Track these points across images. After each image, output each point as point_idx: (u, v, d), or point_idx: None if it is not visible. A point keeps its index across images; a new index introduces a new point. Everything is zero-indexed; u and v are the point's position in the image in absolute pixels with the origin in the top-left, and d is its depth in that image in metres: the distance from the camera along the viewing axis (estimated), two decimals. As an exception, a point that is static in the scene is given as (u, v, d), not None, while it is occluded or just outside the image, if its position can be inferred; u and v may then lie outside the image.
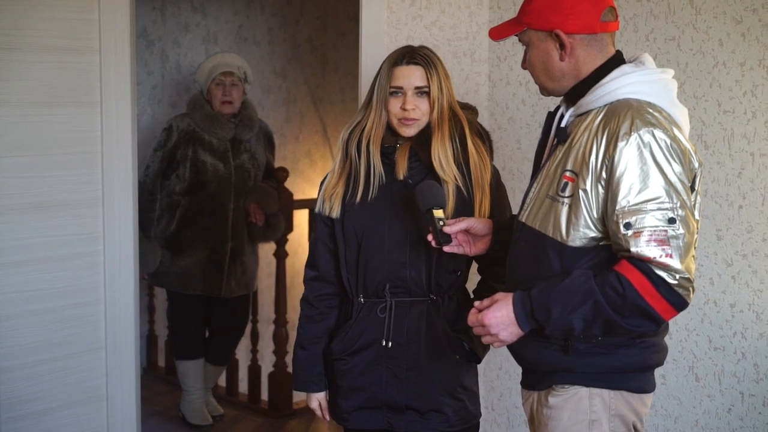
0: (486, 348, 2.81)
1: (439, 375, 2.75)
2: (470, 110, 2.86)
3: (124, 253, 3.82)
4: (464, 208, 2.70)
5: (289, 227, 5.20)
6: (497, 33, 2.40)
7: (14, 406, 3.56)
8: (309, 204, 5.61)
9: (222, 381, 5.51)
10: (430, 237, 2.54)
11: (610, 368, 2.26)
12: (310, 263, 2.91)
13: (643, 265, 2.09)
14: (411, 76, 2.69)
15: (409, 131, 2.71)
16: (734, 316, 3.08)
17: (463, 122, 2.74)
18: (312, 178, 6.77)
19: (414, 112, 2.68)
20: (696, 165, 2.20)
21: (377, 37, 3.70)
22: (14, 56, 3.46)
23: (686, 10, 3.14)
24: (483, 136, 2.81)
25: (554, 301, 2.17)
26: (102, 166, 3.74)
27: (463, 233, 2.57)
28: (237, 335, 5.08)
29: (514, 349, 2.43)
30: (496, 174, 2.81)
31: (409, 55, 2.72)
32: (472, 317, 2.30)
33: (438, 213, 2.52)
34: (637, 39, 3.24)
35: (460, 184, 2.70)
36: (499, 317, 2.24)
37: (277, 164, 5.18)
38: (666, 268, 2.08)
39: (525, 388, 2.49)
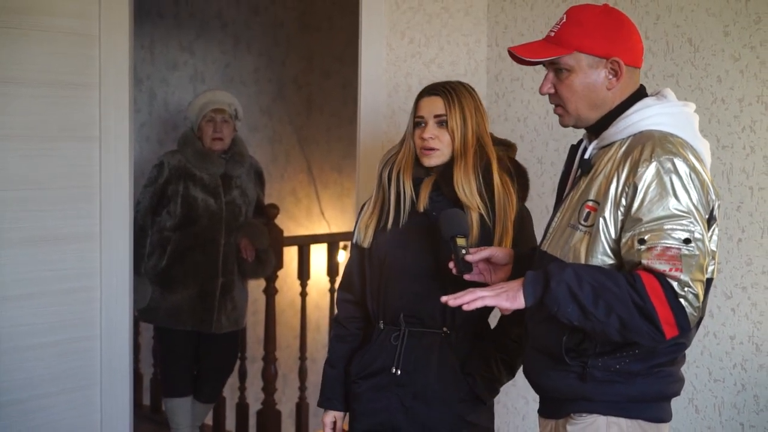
0: (493, 392, 2.84)
1: (443, 408, 2.77)
2: (506, 147, 2.89)
3: (120, 289, 3.82)
4: (486, 238, 2.73)
5: (279, 264, 5.20)
6: (532, 52, 2.36)
7: (9, 443, 3.54)
8: (296, 241, 5.62)
9: (208, 419, 5.47)
10: (451, 264, 2.53)
11: (628, 397, 2.27)
12: (345, 286, 2.98)
13: (655, 272, 2.10)
14: (431, 105, 2.75)
15: (430, 161, 2.75)
16: (734, 348, 3.12)
17: (489, 156, 2.76)
18: (297, 217, 6.78)
19: (432, 141, 2.72)
20: (713, 197, 2.22)
21: (376, 74, 3.75)
22: (16, 90, 3.48)
23: (684, 47, 3.20)
24: (512, 174, 2.82)
25: (567, 268, 2.17)
26: (100, 201, 3.75)
27: (484, 262, 2.56)
28: (226, 372, 5.05)
29: (533, 377, 2.44)
30: (522, 212, 2.82)
31: (433, 86, 2.79)
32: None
33: (461, 241, 2.51)
34: (634, 76, 3.30)
35: (484, 214, 2.72)
36: (508, 282, 2.27)
37: (262, 202, 5.18)
38: (676, 279, 2.09)
39: (543, 417, 2.48)
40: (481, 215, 2.72)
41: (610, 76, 2.30)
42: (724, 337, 3.14)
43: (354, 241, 2.91)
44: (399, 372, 2.77)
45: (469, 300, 2.24)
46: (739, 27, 3.07)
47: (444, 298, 2.28)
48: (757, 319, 3.07)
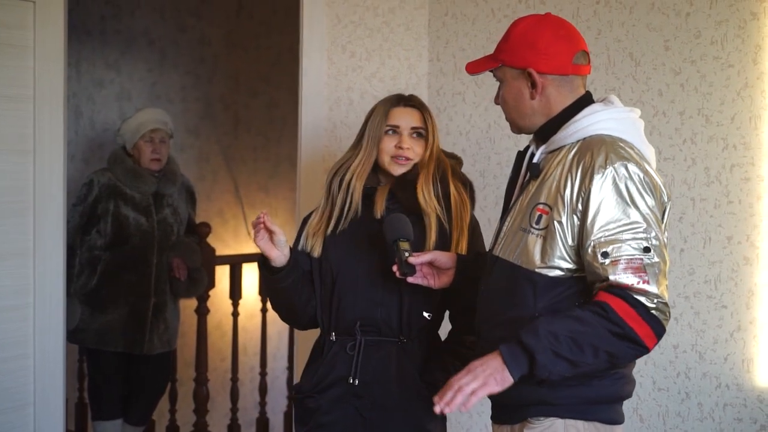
0: None
1: (403, 418, 2.75)
2: (455, 159, 2.99)
3: (54, 306, 3.73)
4: (444, 243, 2.77)
5: (212, 283, 5.14)
6: (473, 67, 2.48)
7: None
8: (228, 260, 5.56)
9: (138, 443, 5.34)
10: (395, 267, 2.59)
11: (584, 399, 2.29)
12: None
13: (621, 291, 2.15)
14: (409, 117, 2.82)
15: (401, 170, 2.80)
16: (678, 356, 3.17)
17: (446, 165, 2.84)
18: (224, 237, 6.70)
19: (409, 152, 2.79)
20: (666, 199, 2.28)
21: (317, 88, 3.73)
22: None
23: (626, 62, 3.26)
24: (465, 182, 2.90)
25: (540, 332, 2.16)
26: (34, 217, 3.65)
27: (428, 266, 2.63)
28: (158, 394, 4.96)
29: None
30: (473, 220, 2.89)
31: (406, 98, 2.86)
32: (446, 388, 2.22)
33: (404, 245, 2.60)
34: (576, 90, 3.35)
35: (442, 218, 2.77)
36: (485, 362, 2.20)
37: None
38: (644, 293, 2.14)
39: (497, 423, 2.48)
40: (438, 219, 2.77)
41: (530, 87, 2.36)
42: (667, 346, 3.19)
43: (300, 248, 2.86)
44: (357, 382, 2.74)
45: (461, 400, 2.18)
46: (679, 42, 3.15)
47: (437, 409, 2.20)
48: (700, 328, 3.12)
